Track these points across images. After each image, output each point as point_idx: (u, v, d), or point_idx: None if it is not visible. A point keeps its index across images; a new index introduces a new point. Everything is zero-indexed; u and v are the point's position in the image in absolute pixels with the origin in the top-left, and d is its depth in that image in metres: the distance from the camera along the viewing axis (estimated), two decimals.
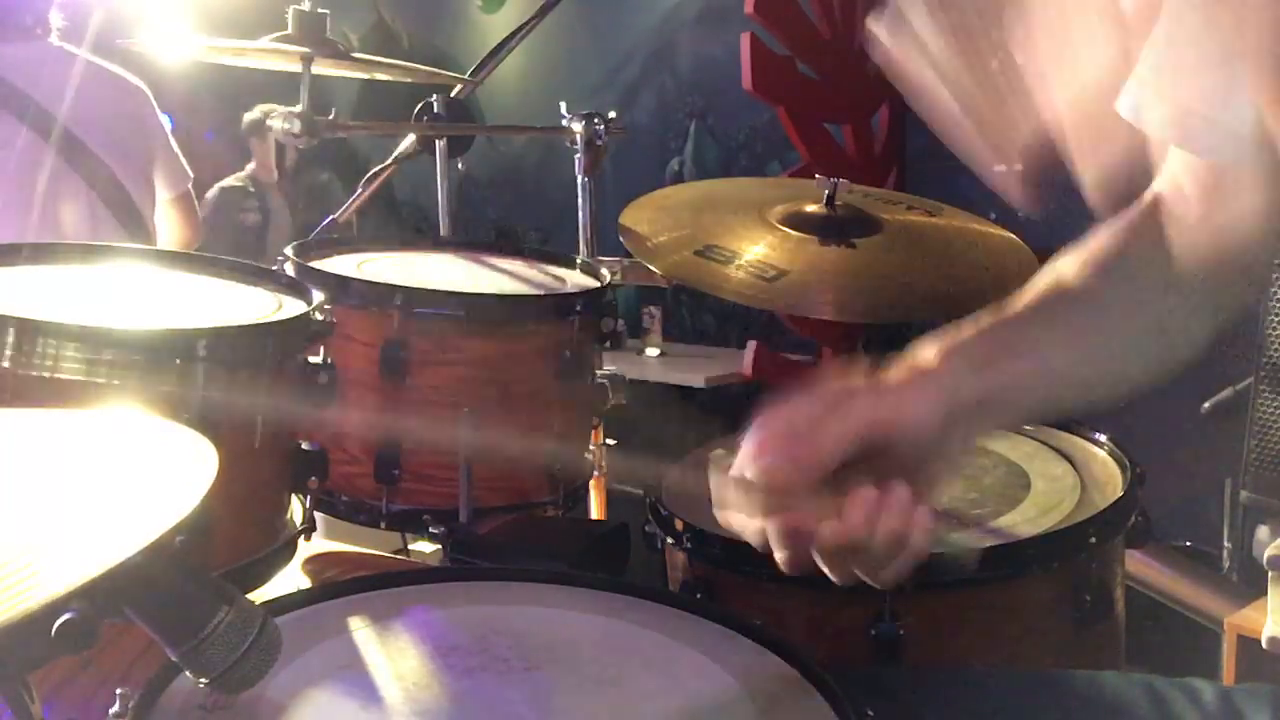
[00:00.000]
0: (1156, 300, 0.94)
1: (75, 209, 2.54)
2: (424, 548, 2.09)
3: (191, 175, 2.92)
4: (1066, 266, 0.95)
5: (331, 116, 1.76)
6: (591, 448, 1.67)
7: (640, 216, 1.70)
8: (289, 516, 1.31)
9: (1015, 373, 0.88)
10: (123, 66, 2.74)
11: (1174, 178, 0.95)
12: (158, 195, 2.82)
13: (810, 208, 1.66)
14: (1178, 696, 0.97)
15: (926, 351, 0.87)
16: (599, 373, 1.60)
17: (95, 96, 2.61)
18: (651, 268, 1.65)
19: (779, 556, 0.83)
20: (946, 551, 1.16)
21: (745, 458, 0.83)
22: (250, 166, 5.00)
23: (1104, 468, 1.38)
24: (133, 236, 2.62)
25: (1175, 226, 0.94)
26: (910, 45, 0.89)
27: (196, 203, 2.98)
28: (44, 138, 2.50)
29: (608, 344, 1.62)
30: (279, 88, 2.41)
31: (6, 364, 1.01)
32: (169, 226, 2.88)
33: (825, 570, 0.83)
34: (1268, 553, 1.71)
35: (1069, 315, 0.92)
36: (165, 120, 2.87)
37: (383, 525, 1.51)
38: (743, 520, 0.84)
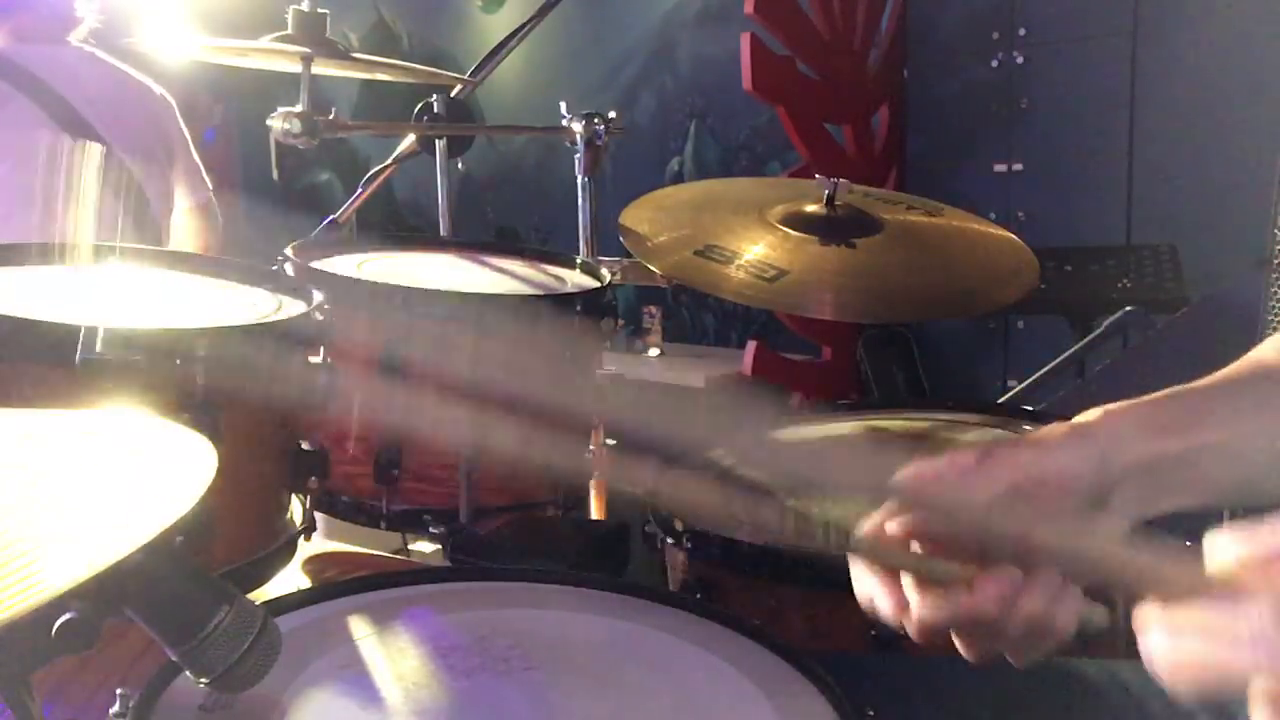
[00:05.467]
0: None
1: (94, 209, 2.55)
2: (424, 548, 2.09)
3: (211, 185, 2.93)
4: (1268, 345, 0.88)
5: (331, 116, 1.76)
6: (591, 448, 1.67)
7: (640, 216, 1.70)
8: (289, 516, 1.32)
9: (1195, 441, 0.78)
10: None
11: None
12: (178, 203, 2.84)
13: (810, 208, 1.66)
14: None
15: (1091, 413, 0.78)
16: (599, 373, 1.60)
17: (119, 101, 2.64)
18: (651, 268, 1.65)
19: (911, 623, 0.74)
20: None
21: (887, 511, 0.76)
22: None
23: None
24: (146, 240, 2.63)
25: None
26: None
27: (219, 211, 2.98)
28: (71, 138, 2.52)
29: (608, 344, 1.62)
30: (279, 88, 2.41)
31: (7, 363, 1.01)
32: (189, 235, 2.89)
33: (960, 647, 0.75)
34: None
35: (1266, 388, 0.84)
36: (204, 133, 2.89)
37: (383, 525, 1.51)
38: (871, 586, 0.76)
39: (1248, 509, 0.74)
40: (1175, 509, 0.79)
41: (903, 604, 0.74)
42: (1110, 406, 0.78)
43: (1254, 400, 0.82)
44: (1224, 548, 0.56)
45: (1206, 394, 0.82)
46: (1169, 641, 0.52)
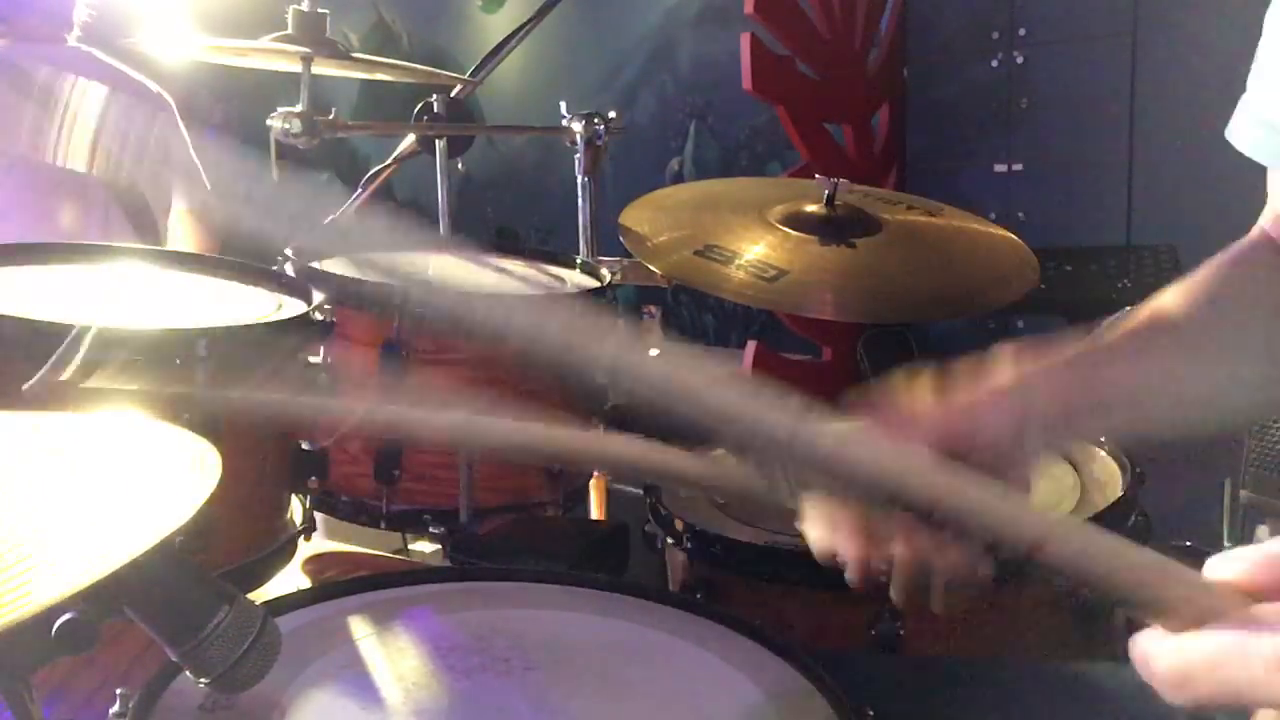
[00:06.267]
0: (1263, 329, 0.93)
1: (91, 209, 2.56)
2: (424, 548, 2.09)
3: (209, 187, 2.92)
4: (1167, 295, 0.94)
5: (331, 116, 1.76)
6: None
7: (640, 216, 1.70)
8: (289, 516, 1.32)
9: (1103, 395, 0.86)
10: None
11: (1275, 206, 0.95)
12: (175, 205, 2.84)
13: (810, 208, 1.66)
14: None
15: (1002, 368, 0.85)
16: (599, 373, 1.60)
17: (118, 100, 2.63)
18: (651, 268, 1.65)
19: (848, 570, 0.80)
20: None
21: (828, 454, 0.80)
22: None
23: (1104, 468, 1.38)
24: (144, 240, 2.63)
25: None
26: None
27: (217, 211, 2.98)
28: (70, 137, 2.52)
29: None
30: (279, 88, 2.41)
31: (7, 363, 1.01)
32: (186, 236, 2.89)
33: (891, 589, 0.81)
34: None
35: (1165, 340, 0.91)
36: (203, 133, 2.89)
37: (383, 525, 1.51)
38: (816, 533, 0.81)
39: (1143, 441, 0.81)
40: (1085, 438, 0.85)
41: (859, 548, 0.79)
42: (1025, 367, 0.84)
43: (1154, 352, 0.90)
44: (1228, 569, 0.56)
45: (1112, 350, 0.90)
46: (1176, 668, 0.52)
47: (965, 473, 0.72)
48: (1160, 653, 0.53)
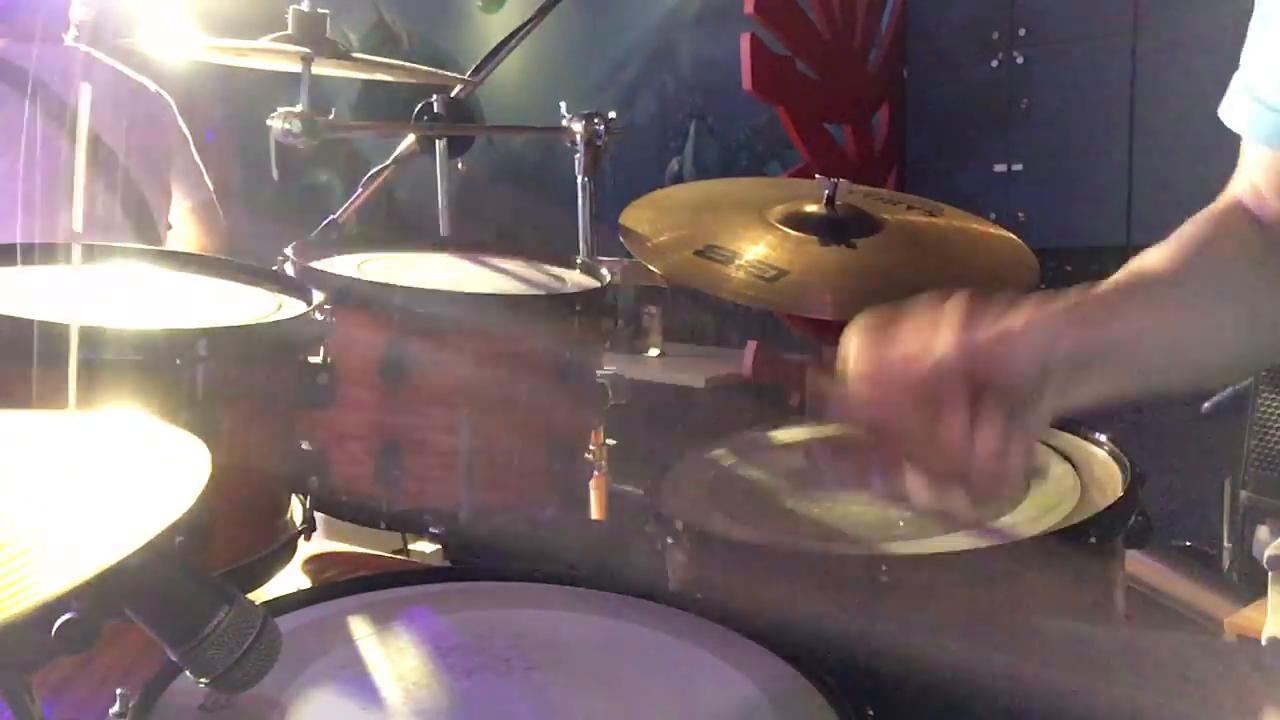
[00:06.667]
0: (1245, 282, 0.94)
1: (91, 209, 2.56)
2: (424, 548, 2.09)
3: (211, 185, 2.92)
4: (1148, 254, 0.95)
5: (331, 116, 1.76)
6: (591, 448, 1.67)
7: (640, 216, 1.70)
8: (289, 516, 1.32)
9: (1110, 333, 0.87)
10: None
11: (1250, 175, 0.96)
12: (179, 203, 2.84)
13: (810, 208, 1.66)
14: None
15: (1020, 315, 0.84)
16: (599, 373, 1.60)
17: (117, 99, 2.64)
18: (651, 268, 1.65)
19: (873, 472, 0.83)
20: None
21: (847, 359, 0.83)
22: None
23: (1104, 468, 1.38)
24: (144, 240, 2.63)
25: (1255, 225, 0.94)
26: None
27: (220, 211, 2.98)
28: (69, 138, 2.53)
29: (608, 344, 1.62)
30: (279, 88, 2.41)
31: (7, 363, 1.01)
32: (190, 235, 2.90)
33: (912, 493, 0.83)
34: (1268, 553, 1.71)
35: (1152, 294, 0.91)
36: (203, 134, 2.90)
37: (383, 525, 1.51)
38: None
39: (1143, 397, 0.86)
40: (1088, 399, 0.88)
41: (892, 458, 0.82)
42: (1036, 315, 0.85)
43: (1145, 305, 0.90)
44: None
45: (1111, 296, 0.90)
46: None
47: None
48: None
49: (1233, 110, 0.98)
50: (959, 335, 0.81)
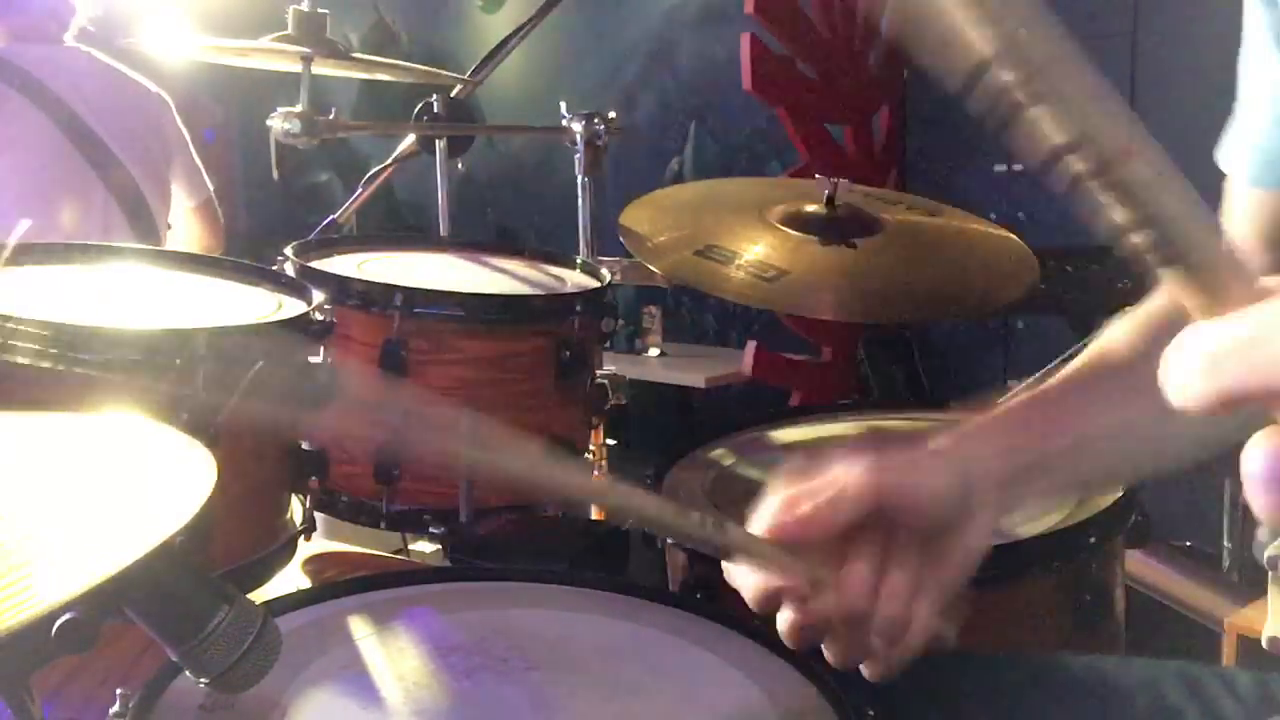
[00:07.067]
0: None
1: (91, 209, 2.56)
2: (424, 548, 2.09)
3: (211, 185, 2.93)
4: (1113, 332, 0.91)
5: (331, 116, 1.76)
6: (591, 448, 1.67)
7: (640, 216, 1.70)
8: (289, 516, 1.32)
9: (1048, 447, 0.83)
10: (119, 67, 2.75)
11: (1236, 224, 0.94)
12: (180, 203, 2.84)
13: (810, 208, 1.66)
14: (1192, 682, 0.97)
15: (945, 438, 0.82)
16: (599, 373, 1.60)
17: (115, 100, 2.65)
18: (651, 268, 1.65)
19: (780, 623, 0.79)
20: None
21: (758, 514, 0.79)
22: None
23: None
24: (143, 240, 2.63)
25: None
26: None
27: (219, 211, 2.98)
28: (69, 137, 2.53)
29: (608, 344, 1.62)
30: (279, 88, 2.41)
31: (6, 364, 1.01)
32: (191, 235, 2.90)
33: (825, 649, 0.80)
34: (1268, 553, 1.71)
35: (1112, 383, 0.88)
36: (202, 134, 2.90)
37: (383, 525, 1.51)
38: (746, 578, 0.80)
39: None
40: (1031, 504, 0.86)
41: (776, 600, 0.78)
42: (963, 429, 0.82)
43: (1099, 399, 0.87)
44: None
45: (1054, 401, 0.87)
46: (1210, 351, 0.47)
47: None
48: (1199, 335, 0.48)
49: (1226, 154, 0.96)
50: (867, 469, 0.76)
